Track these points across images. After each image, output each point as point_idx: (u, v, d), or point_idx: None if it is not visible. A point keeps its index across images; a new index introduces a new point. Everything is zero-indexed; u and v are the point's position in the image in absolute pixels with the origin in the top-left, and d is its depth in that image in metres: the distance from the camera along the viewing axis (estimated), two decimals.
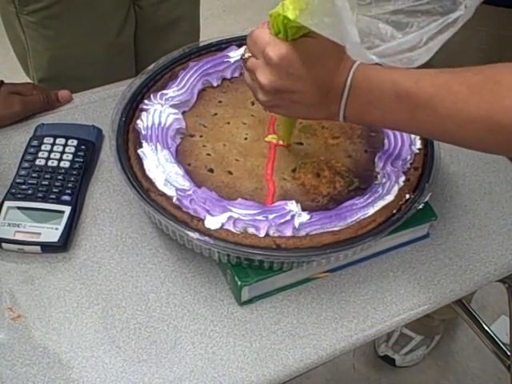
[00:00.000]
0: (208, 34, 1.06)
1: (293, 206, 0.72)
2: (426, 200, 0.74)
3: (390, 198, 0.73)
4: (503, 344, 1.07)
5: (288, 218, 0.70)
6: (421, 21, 0.54)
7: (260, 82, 0.66)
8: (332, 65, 0.64)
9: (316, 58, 0.64)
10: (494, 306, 1.66)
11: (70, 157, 0.84)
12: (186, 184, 0.74)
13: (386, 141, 0.80)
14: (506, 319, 1.55)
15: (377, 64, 0.55)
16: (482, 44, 0.98)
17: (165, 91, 0.82)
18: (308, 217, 0.71)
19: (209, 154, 0.79)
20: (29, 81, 1.14)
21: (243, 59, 0.70)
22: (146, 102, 0.81)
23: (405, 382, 1.53)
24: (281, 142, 0.80)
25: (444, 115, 0.59)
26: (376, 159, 0.78)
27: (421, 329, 1.57)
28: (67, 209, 0.79)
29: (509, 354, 1.01)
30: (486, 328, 1.11)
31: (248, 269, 0.71)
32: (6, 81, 0.92)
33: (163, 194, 0.73)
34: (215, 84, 0.86)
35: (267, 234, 0.70)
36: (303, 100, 0.66)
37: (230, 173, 0.77)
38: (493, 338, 1.10)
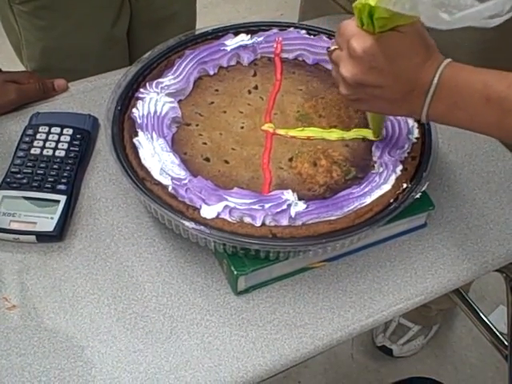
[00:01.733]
0: (206, 22, 1.05)
1: (289, 195, 0.71)
2: (423, 189, 0.74)
3: (387, 187, 0.73)
4: (501, 334, 1.07)
5: (284, 207, 0.70)
6: None
7: (342, 75, 0.65)
8: (418, 61, 0.63)
9: (401, 54, 0.63)
10: (492, 295, 1.66)
11: (66, 146, 0.83)
12: (181, 173, 0.73)
13: (383, 130, 0.80)
14: (504, 309, 1.55)
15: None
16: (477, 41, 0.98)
17: (160, 80, 0.81)
18: (304, 206, 0.71)
19: (205, 143, 0.78)
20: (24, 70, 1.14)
21: (328, 51, 0.69)
22: (141, 90, 0.81)
23: (403, 371, 1.53)
24: (371, 137, 0.79)
25: None
26: (373, 148, 0.78)
27: (418, 319, 1.57)
28: (62, 198, 0.78)
29: (506, 343, 1.00)
30: (484, 318, 1.11)
31: (244, 258, 0.71)
32: (3, 69, 0.91)
33: (159, 183, 0.72)
34: (211, 72, 0.85)
35: (263, 224, 0.69)
36: (385, 95, 0.65)
37: (227, 162, 0.76)
38: (490, 328, 1.10)
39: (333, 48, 0.68)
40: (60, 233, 0.76)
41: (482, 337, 1.16)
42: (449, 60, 0.64)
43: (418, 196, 0.73)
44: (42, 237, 0.76)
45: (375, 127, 0.78)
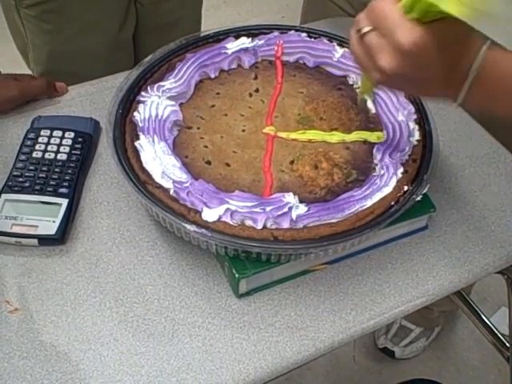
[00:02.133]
0: (208, 25, 1.06)
1: (290, 198, 0.71)
2: (424, 192, 0.74)
3: (388, 189, 0.73)
4: (502, 336, 1.07)
5: (285, 210, 0.70)
6: None
7: (380, 65, 0.60)
8: (462, 50, 0.59)
9: (448, 46, 0.58)
10: (494, 297, 1.66)
11: (67, 149, 0.83)
12: (183, 176, 0.73)
13: (384, 132, 0.80)
14: (506, 311, 1.55)
15: None
16: None
17: (162, 83, 0.82)
18: (306, 209, 0.71)
19: (206, 146, 0.78)
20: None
21: (361, 33, 0.61)
22: (143, 93, 0.81)
23: (405, 373, 1.53)
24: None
25: None
26: (374, 151, 0.78)
27: (420, 321, 1.57)
28: (64, 201, 0.78)
29: (508, 345, 1.00)
30: (486, 320, 1.10)
31: (246, 261, 0.71)
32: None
33: (160, 187, 0.72)
34: (213, 76, 0.86)
35: (265, 226, 0.69)
36: (424, 83, 0.62)
37: (228, 165, 0.77)
38: (492, 329, 1.10)
39: (367, 30, 0.60)
40: (62, 236, 0.76)
41: (484, 339, 1.16)
42: (487, 44, 0.59)
43: (419, 198, 0.73)
44: (44, 240, 0.76)
45: (367, 89, 0.77)
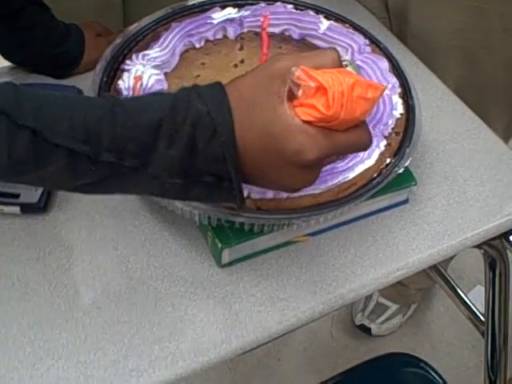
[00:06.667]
0: None
1: None
2: (406, 164, 0.74)
3: (370, 162, 0.74)
4: (479, 311, 1.09)
5: None
6: None
7: None
8: None
9: None
10: (470, 275, 1.69)
11: None
12: None
13: None
14: (481, 289, 1.58)
15: None
16: (457, 15, 0.99)
17: (147, 52, 0.81)
18: None
19: None
20: None
21: None
22: (127, 62, 0.80)
23: (382, 349, 1.55)
24: None
25: None
26: None
27: (397, 298, 1.60)
28: None
29: (483, 320, 1.02)
30: (462, 294, 1.12)
31: (229, 231, 0.72)
32: None
33: None
34: (198, 45, 0.85)
35: (248, 196, 0.70)
36: None
37: None
38: (468, 305, 1.12)
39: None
40: (45, 204, 0.76)
41: (459, 316, 1.18)
42: None
43: (401, 171, 0.74)
44: (27, 208, 0.76)
45: None
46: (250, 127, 0.55)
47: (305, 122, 0.54)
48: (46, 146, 0.52)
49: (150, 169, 0.54)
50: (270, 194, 0.70)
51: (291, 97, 0.55)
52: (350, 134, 0.56)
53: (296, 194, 0.70)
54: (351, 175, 0.72)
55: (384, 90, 0.56)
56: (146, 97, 0.58)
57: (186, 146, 0.54)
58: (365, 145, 0.58)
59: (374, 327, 1.60)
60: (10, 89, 0.53)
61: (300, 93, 0.54)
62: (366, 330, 1.60)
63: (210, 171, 0.55)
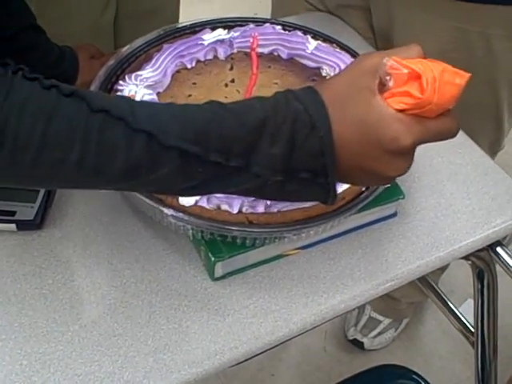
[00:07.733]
0: (182, 20, 1.07)
1: None
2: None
3: None
4: (470, 324, 1.10)
5: None
6: None
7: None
8: None
9: None
10: (460, 289, 1.70)
11: None
12: None
13: None
14: (471, 302, 1.58)
15: None
16: (440, 35, 1.02)
17: (139, 72, 0.83)
18: None
19: None
20: None
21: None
22: (120, 82, 0.82)
23: (374, 363, 1.54)
24: None
25: None
26: None
27: (389, 312, 1.61)
28: None
29: (473, 331, 1.04)
30: (453, 308, 1.14)
31: (221, 245, 0.73)
32: None
33: None
34: (189, 66, 0.87)
35: (240, 211, 0.71)
36: None
37: None
38: (459, 317, 1.13)
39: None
40: (40, 221, 0.78)
41: (452, 329, 1.19)
42: None
43: (388, 185, 0.76)
44: (23, 225, 0.77)
45: None
46: (345, 121, 0.57)
47: (398, 110, 0.56)
48: (159, 149, 0.54)
49: (254, 168, 0.56)
50: (261, 208, 0.72)
51: (381, 90, 0.57)
52: (440, 122, 0.58)
53: (286, 208, 0.72)
54: (340, 190, 0.74)
55: (469, 78, 0.57)
56: (246, 100, 0.60)
57: (287, 143, 0.56)
58: (453, 132, 0.60)
59: (366, 341, 1.61)
60: (125, 99, 0.56)
61: (391, 83, 0.56)
62: (358, 344, 1.61)
63: (306, 167, 0.57)
